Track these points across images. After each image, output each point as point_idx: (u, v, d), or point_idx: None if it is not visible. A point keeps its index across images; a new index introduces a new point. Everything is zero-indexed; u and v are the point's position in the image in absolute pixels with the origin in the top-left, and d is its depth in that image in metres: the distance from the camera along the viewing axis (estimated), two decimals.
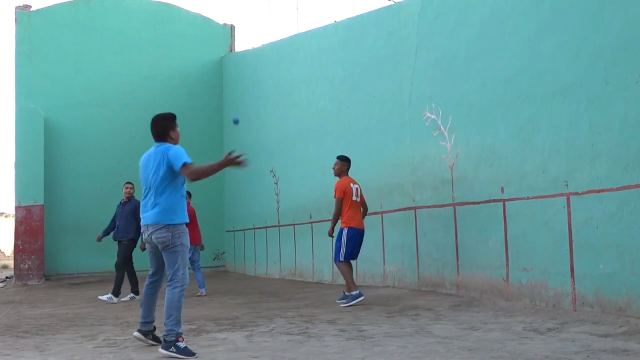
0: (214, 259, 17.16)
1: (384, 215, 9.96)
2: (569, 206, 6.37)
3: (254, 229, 15.04)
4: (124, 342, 5.91)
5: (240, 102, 16.22)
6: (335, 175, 8.63)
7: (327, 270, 11.69)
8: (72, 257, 15.65)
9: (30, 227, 14.99)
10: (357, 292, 8.06)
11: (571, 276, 6.33)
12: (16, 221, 15.25)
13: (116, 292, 10.48)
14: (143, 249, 9.29)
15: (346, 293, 8.30)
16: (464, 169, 8.06)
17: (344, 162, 8.59)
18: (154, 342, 5.49)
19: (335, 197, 8.43)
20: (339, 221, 8.51)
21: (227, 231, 16.98)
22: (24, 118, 15.47)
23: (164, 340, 5.12)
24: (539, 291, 6.74)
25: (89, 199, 15.96)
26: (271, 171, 14.08)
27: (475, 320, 6.39)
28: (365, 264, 10.44)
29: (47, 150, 15.52)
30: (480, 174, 7.78)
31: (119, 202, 11.26)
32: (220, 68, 17.67)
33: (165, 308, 5.14)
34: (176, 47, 17.26)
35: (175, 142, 5.48)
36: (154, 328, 5.60)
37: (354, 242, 8.37)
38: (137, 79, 16.75)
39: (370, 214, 10.29)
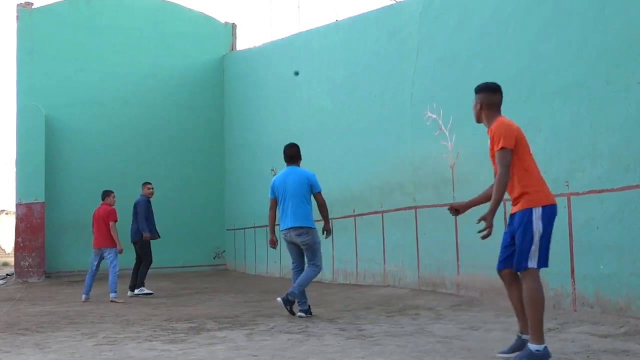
0: (214, 258, 17.18)
1: (384, 214, 9.96)
2: (569, 206, 6.37)
3: (255, 227, 15.04)
4: (123, 339, 5.91)
5: (242, 100, 16.22)
6: (477, 120, 5.19)
7: (327, 269, 11.67)
8: (72, 254, 15.65)
9: (31, 224, 15.00)
10: (543, 347, 4.27)
11: (571, 276, 6.33)
12: (17, 218, 15.27)
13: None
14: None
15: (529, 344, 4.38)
16: (465, 169, 8.06)
17: (486, 94, 5.15)
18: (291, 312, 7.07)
19: (498, 149, 4.61)
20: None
21: (227, 230, 16.99)
22: (25, 116, 15.49)
23: (287, 297, 7.01)
24: None
25: (89, 196, 15.91)
26: (272, 170, 14.07)
27: (475, 320, 6.39)
28: (366, 263, 10.45)
29: (48, 148, 15.53)
30: (481, 173, 7.76)
31: (143, 200, 11.14)
32: (222, 67, 17.66)
33: (300, 278, 7.08)
34: (177, 46, 17.26)
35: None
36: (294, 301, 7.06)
37: (550, 232, 4.55)
38: (138, 77, 16.76)
39: (371, 213, 10.31)
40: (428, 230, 8.84)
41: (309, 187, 7.18)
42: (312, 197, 7.27)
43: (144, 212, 11.02)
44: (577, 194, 6.28)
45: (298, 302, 7.11)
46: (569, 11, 6.54)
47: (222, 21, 18.27)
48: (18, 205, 15.21)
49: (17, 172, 15.42)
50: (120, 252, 10.16)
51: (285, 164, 7.51)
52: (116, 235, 10.07)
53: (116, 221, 10.20)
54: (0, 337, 6.27)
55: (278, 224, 7.54)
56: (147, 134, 16.70)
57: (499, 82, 7.46)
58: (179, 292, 11.22)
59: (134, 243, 11.11)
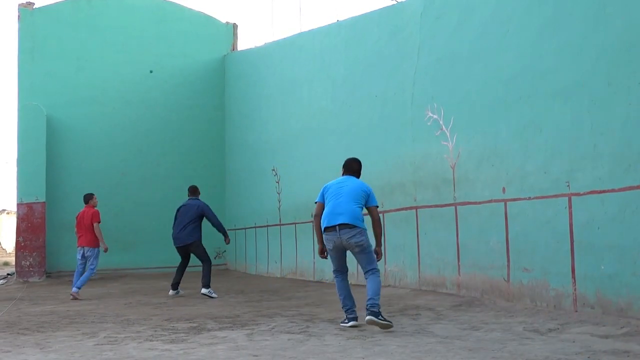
0: (214, 258, 17.11)
1: (385, 214, 9.95)
2: (570, 207, 6.37)
3: (255, 227, 15.04)
4: (124, 339, 5.91)
5: (242, 100, 16.22)
6: None
7: (328, 269, 11.67)
8: (73, 254, 15.53)
9: (32, 224, 15.01)
10: None
11: (572, 277, 6.32)
12: (18, 218, 15.28)
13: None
14: None
15: None
16: (466, 169, 8.06)
17: None
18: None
19: None
20: None
21: (228, 230, 16.96)
22: (26, 115, 15.50)
23: (372, 311, 6.07)
24: (540, 291, 6.74)
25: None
26: (273, 170, 14.08)
27: (475, 320, 6.39)
28: None
29: (49, 148, 15.55)
30: (481, 173, 7.77)
31: (203, 203, 10.94)
32: (223, 66, 17.67)
33: (373, 290, 6.25)
34: (178, 46, 17.27)
35: None
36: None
37: None
38: (139, 77, 16.77)
39: None
40: (429, 230, 8.83)
41: (364, 197, 6.56)
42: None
43: (212, 213, 10.88)
44: (578, 194, 6.28)
45: (347, 312, 6.50)
46: (569, 11, 6.54)
47: (223, 21, 18.27)
48: (19, 204, 15.22)
49: (18, 172, 15.43)
50: (106, 250, 10.89)
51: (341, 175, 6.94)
52: (100, 235, 10.79)
53: (99, 222, 10.84)
54: (1, 336, 6.28)
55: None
56: (147, 134, 16.71)
57: (499, 82, 7.52)
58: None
59: (189, 245, 10.81)
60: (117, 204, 15.97)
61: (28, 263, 14.88)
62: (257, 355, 4.97)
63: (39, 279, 14.70)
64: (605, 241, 5.95)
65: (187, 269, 11.20)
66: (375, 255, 6.54)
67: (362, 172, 7.02)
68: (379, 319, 6.04)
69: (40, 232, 15.02)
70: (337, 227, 6.41)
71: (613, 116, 5.94)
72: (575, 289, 6.29)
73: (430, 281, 8.81)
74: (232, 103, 16.99)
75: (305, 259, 12.53)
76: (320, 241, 6.66)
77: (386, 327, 6.02)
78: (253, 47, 16.63)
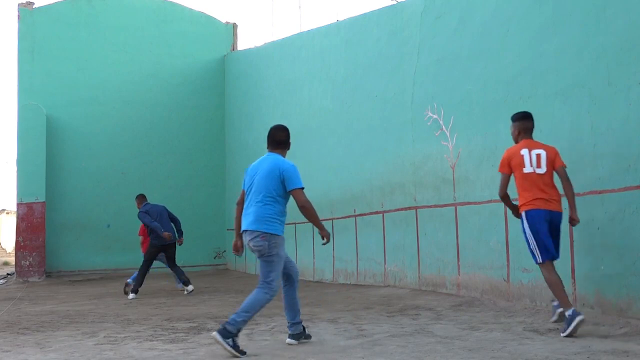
0: (214, 257, 17.19)
1: (385, 214, 9.95)
2: None
3: None
4: (124, 339, 5.91)
5: (242, 100, 16.23)
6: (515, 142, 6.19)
7: (327, 269, 11.69)
8: (73, 254, 15.68)
9: (32, 224, 15.01)
10: (570, 311, 5.40)
11: (572, 277, 6.32)
12: (18, 218, 15.28)
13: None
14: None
15: (556, 308, 5.94)
16: (466, 169, 8.06)
17: (514, 123, 6.13)
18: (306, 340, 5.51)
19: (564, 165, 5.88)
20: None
21: (228, 230, 16.98)
22: (26, 115, 15.50)
23: (224, 327, 5.03)
24: (540, 292, 6.74)
25: (90, 196, 16.00)
26: None
27: (475, 320, 6.39)
28: (367, 263, 10.45)
29: (49, 148, 15.55)
30: (481, 174, 7.77)
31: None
32: (223, 66, 17.67)
33: (246, 304, 5.17)
34: (178, 46, 17.28)
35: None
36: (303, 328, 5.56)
37: (541, 228, 5.72)
38: (139, 77, 16.78)
39: (372, 213, 10.30)
40: (429, 230, 8.83)
41: (279, 181, 5.33)
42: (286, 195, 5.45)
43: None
44: (578, 194, 6.26)
45: (287, 326, 5.59)
46: (570, 11, 6.54)
47: (223, 21, 18.28)
48: (19, 204, 15.22)
49: (18, 172, 15.44)
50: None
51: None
52: None
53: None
54: (0, 336, 6.28)
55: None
56: (147, 134, 16.72)
57: (499, 82, 7.53)
58: (180, 291, 11.21)
59: (174, 244, 10.85)
60: (117, 204, 15.97)
61: (28, 263, 14.88)
62: (257, 355, 4.98)
63: (39, 278, 14.71)
64: (605, 241, 5.95)
65: (185, 268, 11.21)
66: (276, 270, 5.32)
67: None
68: (226, 343, 4.94)
69: (40, 232, 15.03)
70: (244, 232, 5.44)
71: (613, 116, 5.94)
72: (574, 289, 6.29)
73: (430, 281, 8.81)
74: (232, 103, 16.99)
75: (304, 259, 12.54)
76: (237, 234, 5.58)
77: (231, 354, 4.95)
78: (253, 47, 16.63)
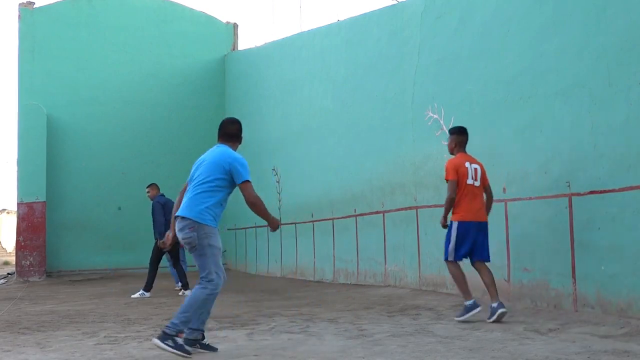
0: None
1: (385, 214, 9.95)
2: (570, 207, 6.36)
3: (256, 227, 15.04)
4: (124, 339, 5.91)
5: (243, 100, 16.23)
6: (450, 153, 6.88)
7: (328, 269, 11.69)
8: (73, 254, 15.69)
9: (32, 223, 15.02)
10: (470, 302, 6.35)
11: (572, 277, 6.32)
12: (18, 218, 15.29)
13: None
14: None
15: (492, 304, 6.34)
16: None
17: (452, 136, 6.77)
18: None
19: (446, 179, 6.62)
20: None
21: (228, 229, 16.98)
22: (26, 115, 15.52)
23: (163, 331, 4.83)
24: (540, 292, 6.74)
25: (90, 196, 16.00)
26: (273, 169, 14.08)
27: (476, 320, 6.38)
28: (367, 263, 10.44)
29: (49, 148, 15.56)
30: None
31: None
32: (223, 66, 17.68)
33: (184, 302, 4.92)
34: (179, 45, 17.29)
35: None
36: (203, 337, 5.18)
37: (467, 238, 6.47)
38: (139, 77, 16.78)
39: (372, 213, 10.30)
40: (429, 230, 8.83)
41: (224, 173, 5.08)
42: (229, 189, 5.23)
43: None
44: (579, 194, 6.28)
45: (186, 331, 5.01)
46: (570, 11, 6.53)
47: (224, 21, 18.30)
48: (19, 204, 15.23)
49: (18, 172, 15.45)
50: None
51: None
52: None
53: None
54: (1, 336, 6.28)
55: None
56: (148, 134, 16.73)
57: (500, 82, 7.53)
58: (177, 291, 11.21)
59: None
60: (118, 204, 15.98)
61: (28, 262, 14.89)
62: (257, 355, 4.97)
63: (39, 278, 14.71)
64: (606, 241, 5.95)
65: (184, 268, 11.18)
66: (211, 261, 4.97)
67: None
68: (166, 345, 4.71)
69: (40, 232, 15.04)
70: (178, 218, 5.07)
71: (613, 116, 5.93)
72: (575, 289, 6.28)
73: (430, 281, 8.81)
74: (233, 103, 16.99)
75: (305, 258, 12.54)
76: (172, 224, 5.27)
77: (177, 355, 4.74)
78: (253, 47, 16.64)
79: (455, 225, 6.49)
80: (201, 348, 5.07)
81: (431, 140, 8.76)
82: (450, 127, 8.32)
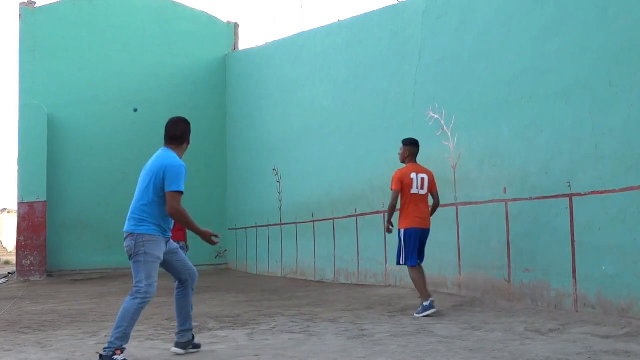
0: (215, 257, 17.18)
1: (386, 214, 9.94)
2: (571, 207, 6.36)
3: (256, 227, 15.05)
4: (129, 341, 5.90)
5: (244, 100, 16.23)
6: (401, 162, 7.39)
7: (328, 269, 11.69)
8: (74, 253, 15.68)
9: (33, 223, 15.03)
10: (427, 302, 6.84)
11: (573, 277, 6.32)
12: (19, 217, 15.30)
13: None
14: None
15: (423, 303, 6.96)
16: (467, 169, 8.06)
17: (406, 147, 7.32)
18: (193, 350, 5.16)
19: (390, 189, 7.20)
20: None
21: (229, 229, 16.99)
22: (27, 114, 15.52)
23: (100, 355, 4.60)
24: (541, 292, 6.73)
25: (91, 195, 16.00)
26: (274, 169, 14.08)
27: (476, 320, 6.39)
28: (368, 263, 10.44)
29: (50, 147, 15.56)
30: (483, 174, 7.77)
31: None
32: (224, 66, 17.68)
33: (118, 317, 4.70)
34: (180, 45, 17.29)
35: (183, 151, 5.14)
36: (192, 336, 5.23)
37: (413, 244, 7.04)
38: (140, 76, 16.78)
39: (373, 213, 10.31)
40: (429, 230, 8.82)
41: (159, 179, 4.85)
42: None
43: None
44: (579, 194, 6.27)
45: (175, 332, 5.24)
46: (571, 11, 6.53)
47: (225, 21, 18.30)
48: (20, 204, 15.24)
49: (19, 171, 15.45)
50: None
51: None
52: None
53: None
54: (1, 335, 6.28)
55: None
56: (149, 133, 16.69)
57: (501, 82, 7.53)
58: None
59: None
60: (118, 203, 15.93)
61: (29, 262, 14.89)
62: (257, 355, 4.97)
63: (40, 278, 14.72)
64: (606, 242, 5.95)
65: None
66: (142, 269, 4.76)
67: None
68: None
69: (41, 231, 15.04)
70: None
71: (614, 117, 5.93)
72: (576, 290, 6.28)
73: (431, 281, 8.79)
74: (234, 102, 17.00)
75: (306, 258, 12.54)
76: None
77: None
78: (254, 46, 16.64)
79: (402, 232, 7.04)
80: (193, 348, 5.14)
81: (432, 140, 8.75)
82: (451, 128, 8.33)
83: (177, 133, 5.05)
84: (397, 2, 10.55)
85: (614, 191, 5.89)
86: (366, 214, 10.49)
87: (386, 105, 10.04)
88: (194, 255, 17.91)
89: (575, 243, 6.31)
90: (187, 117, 5.24)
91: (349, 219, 11.03)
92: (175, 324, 6.77)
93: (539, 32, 6.96)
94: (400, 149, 7.35)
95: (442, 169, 8.55)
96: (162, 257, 4.91)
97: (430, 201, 7.33)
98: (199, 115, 17.18)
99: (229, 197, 17.13)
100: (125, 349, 4.67)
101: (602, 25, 6.13)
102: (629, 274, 5.71)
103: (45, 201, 15.14)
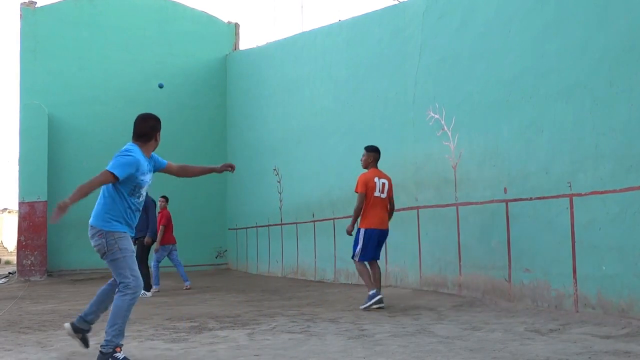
0: (216, 257, 17.19)
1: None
2: (572, 207, 6.36)
3: (257, 227, 15.05)
4: (125, 338, 5.89)
5: (244, 100, 16.23)
6: (363, 168, 7.96)
7: (329, 269, 11.69)
8: (74, 253, 15.67)
9: (34, 223, 15.03)
10: (373, 291, 7.47)
11: (573, 277, 6.32)
12: (19, 217, 15.31)
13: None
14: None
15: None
16: (467, 169, 8.06)
17: (369, 153, 7.90)
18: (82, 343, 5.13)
19: (356, 192, 7.77)
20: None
21: (229, 229, 17.00)
22: (28, 114, 15.52)
23: (100, 352, 4.65)
24: (541, 292, 6.73)
25: (92, 195, 15.86)
26: (274, 169, 14.09)
27: (477, 320, 6.39)
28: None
29: (50, 147, 15.57)
30: (483, 174, 7.77)
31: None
32: (224, 66, 17.68)
33: (110, 315, 4.72)
34: (180, 45, 17.29)
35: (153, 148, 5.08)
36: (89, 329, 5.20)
37: (371, 243, 7.66)
38: (141, 76, 16.78)
39: None
40: (430, 230, 8.83)
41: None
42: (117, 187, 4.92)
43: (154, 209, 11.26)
44: (580, 194, 6.27)
45: (79, 316, 5.31)
46: (572, 11, 6.53)
47: (225, 21, 18.29)
48: (21, 203, 15.24)
49: (19, 171, 15.46)
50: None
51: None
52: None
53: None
54: (2, 335, 6.28)
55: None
56: None
57: (501, 82, 7.52)
58: (181, 291, 11.23)
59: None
60: None
61: (29, 262, 14.89)
62: (258, 355, 4.97)
63: (40, 277, 14.72)
64: (607, 242, 5.95)
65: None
66: (124, 266, 4.78)
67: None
68: (77, 335, 4.79)
69: (41, 231, 15.04)
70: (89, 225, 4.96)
71: (615, 117, 5.93)
72: (576, 290, 6.28)
73: (431, 281, 8.81)
74: (234, 102, 17.00)
75: (306, 258, 12.54)
76: None
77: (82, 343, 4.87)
78: (255, 46, 16.64)
79: (362, 231, 7.63)
80: (81, 340, 5.10)
81: (432, 140, 8.76)
82: (451, 128, 8.34)
83: (145, 130, 4.95)
84: (397, 2, 10.55)
85: (614, 191, 5.89)
86: None
87: (386, 106, 10.04)
88: (194, 255, 17.93)
89: (576, 243, 6.31)
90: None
91: (349, 219, 10.99)
92: (175, 323, 6.81)
93: (539, 32, 6.96)
94: (363, 155, 7.89)
95: (442, 169, 8.55)
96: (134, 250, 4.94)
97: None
98: (199, 115, 17.23)
99: (229, 197, 17.13)
100: (122, 345, 4.72)
101: (603, 26, 6.13)
102: (629, 274, 5.71)
103: (45, 201, 15.14)
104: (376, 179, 7.67)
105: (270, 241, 14.28)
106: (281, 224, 13.70)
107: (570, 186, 6.39)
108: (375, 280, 7.68)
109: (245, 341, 5.63)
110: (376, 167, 7.84)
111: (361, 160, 7.89)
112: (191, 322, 6.95)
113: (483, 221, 7.75)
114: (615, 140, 5.92)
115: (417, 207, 9.12)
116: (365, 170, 7.84)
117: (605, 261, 5.96)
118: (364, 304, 7.47)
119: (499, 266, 7.42)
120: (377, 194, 7.63)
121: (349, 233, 7.76)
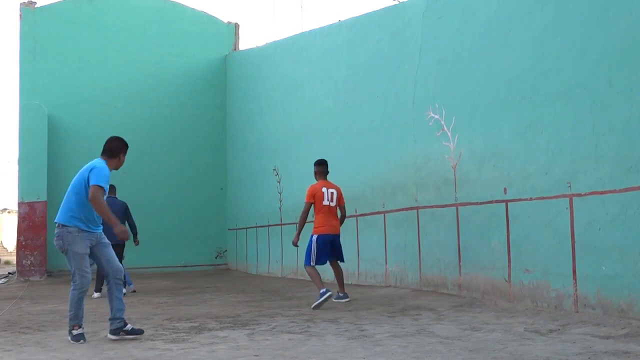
0: (216, 257, 17.19)
1: (386, 215, 9.95)
2: (571, 207, 6.36)
3: (256, 227, 15.05)
4: (125, 338, 5.91)
5: (244, 100, 16.23)
6: (315, 179, 8.69)
7: (329, 269, 11.67)
8: None
9: (33, 223, 15.03)
10: (323, 290, 7.87)
11: (573, 277, 6.32)
12: (19, 217, 15.30)
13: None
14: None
15: (339, 293, 8.51)
16: (467, 170, 8.06)
17: (317, 167, 8.61)
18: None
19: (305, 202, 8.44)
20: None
21: (229, 229, 17.00)
22: (27, 115, 15.52)
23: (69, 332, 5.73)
24: (541, 292, 6.74)
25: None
26: (274, 169, 14.09)
27: (476, 320, 6.39)
28: (368, 263, 10.45)
29: (50, 147, 15.56)
30: (483, 174, 7.77)
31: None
32: (224, 66, 17.68)
33: (68, 303, 5.80)
34: (180, 45, 17.29)
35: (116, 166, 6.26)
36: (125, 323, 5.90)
37: (324, 248, 8.30)
38: (141, 76, 16.79)
39: (373, 213, 10.31)
40: (430, 230, 8.83)
41: (86, 179, 5.89)
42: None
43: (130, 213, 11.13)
44: (580, 195, 6.28)
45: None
46: (572, 12, 6.53)
47: (225, 21, 18.30)
48: (20, 204, 15.24)
49: (19, 171, 15.45)
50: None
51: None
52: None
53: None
54: (1, 335, 6.28)
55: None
56: (149, 133, 16.73)
57: (501, 83, 7.54)
58: (181, 291, 11.22)
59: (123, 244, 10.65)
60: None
61: (29, 262, 14.89)
62: (257, 355, 4.98)
63: (40, 278, 14.72)
64: (607, 242, 5.95)
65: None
66: (71, 264, 5.77)
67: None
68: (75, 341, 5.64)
69: (41, 231, 15.03)
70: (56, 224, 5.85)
71: (615, 117, 5.93)
72: (576, 290, 6.28)
73: (431, 281, 8.81)
74: (234, 103, 17.00)
75: None
76: None
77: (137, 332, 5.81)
78: (255, 47, 16.64)
79: (314, 238, 8.25)
80: (127, 334, 5.81)
81: (432, 141, 8.76)
82: (451, 128, 8.35)
83: (111, 147, 6.32)
84: (397, 2, 10.55)
85: (614, 191, 5.89)
86: (366, 214, 10.49)
87: (386, 106, 10.05)
88: (194, 255, 17.91)
89: (576, 243, 6.31)
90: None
91: (349, 219, 10.99)
92: (175, 323, 6.81)
93: (539, 32, 6.96)
94: (314, 169, 8.61)
95: (442, 169, 8.55)
96: (88, 251, 5.75)
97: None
98: (199, 116, 17.23)
99: (229, 198, 17.13)
100: (82, 325, 5.75)
101: (603, 26, 6.13)
102: (629, 274, 5.71)
103: (45, 201, 15.13)
104: (324, 189, 8.33)
105: (270, 241, 14.28)
106: (281, 224, 13.70)
107: (570, 186, 6.39)
108: (338, 281, 8.44)
109: (245, 341, 5.63)
110: (325, 178, 8.49)
111: (314, 173, 8.56)
112: (191, 322, 6.95)
113: (483, 221, 7.75)
114: (615, 140, 5.92)
115: (417, 208, 9.12)
116: (315, 182, 8.53)
117: (605, 261, 5.97)
118: (314, 303, 7.81)
119: (498, 266, 7.43)
120: (325, 202, 8.29)
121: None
